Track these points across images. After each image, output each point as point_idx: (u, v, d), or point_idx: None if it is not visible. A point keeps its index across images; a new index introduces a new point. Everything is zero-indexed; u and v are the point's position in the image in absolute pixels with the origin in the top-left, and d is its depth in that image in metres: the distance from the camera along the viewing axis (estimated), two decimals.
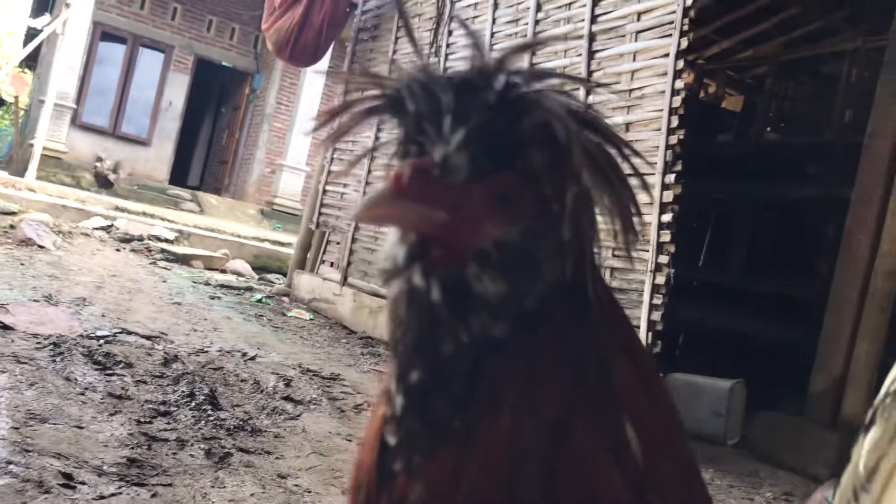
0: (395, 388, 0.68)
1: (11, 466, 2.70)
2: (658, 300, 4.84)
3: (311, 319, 7.41)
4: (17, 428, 3.03)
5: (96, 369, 3.90)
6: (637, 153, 0.71)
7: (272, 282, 9.69)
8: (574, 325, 0.69)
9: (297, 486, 3.08)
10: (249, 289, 8.56)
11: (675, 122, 4.83)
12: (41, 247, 7.77)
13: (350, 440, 3.73)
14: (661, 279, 4.84)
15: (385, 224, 0.68)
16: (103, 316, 5.55)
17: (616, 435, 0.67)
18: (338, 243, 8.14)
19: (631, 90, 5.20)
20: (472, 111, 0.64)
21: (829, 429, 4.87)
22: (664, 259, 4.85)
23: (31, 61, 15.05)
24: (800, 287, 7.73)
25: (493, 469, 0.64)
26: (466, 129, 0.64)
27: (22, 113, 14.50)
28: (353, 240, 7.76)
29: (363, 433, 0.73)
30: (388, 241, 0.68)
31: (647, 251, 4.89)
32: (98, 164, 13.72)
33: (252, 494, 2.90)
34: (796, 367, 5.99)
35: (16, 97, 14.06)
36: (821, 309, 5.83)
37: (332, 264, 8.21)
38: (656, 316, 4.87)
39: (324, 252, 8.42)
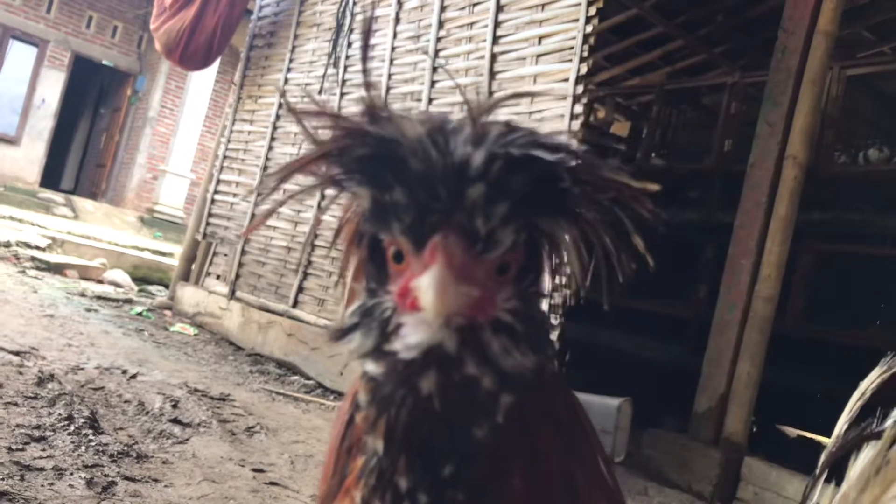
0: (405, 481, 0.62)
1: None
2: (555, 320, 4.90)
3: (195, 335, 7.10)
4: None
5: None
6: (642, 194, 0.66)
7: (153, 294, 9.23)
8: (548, 381, 0.68)
9: None
10: (129, 301, 8.12)
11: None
12: None
13: (243, 465, 3.56)
14: (557, 300, 4.91)
15: (453, 313, 0.59)
16: None
17: (605, 479, 0.71)
18: (225, 255, 7.84)
19: (531, 112, 5.27)
20: (512, 180, 0.59)
21: (712, 446, 5.06)
22: (559, 281, 4.93)
23: None
24: (679, 307, 8.04)
25: None
26: (511, 201, 0.59)
27: None
28: (243, 252, 7.50)
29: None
30: (416, 328, 0.60)
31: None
32: None
33: None
34: (679, 385, 6.21)
35: None
36: (698, 329, 6.07)
37: (218, 277, 7.90)
38: (553, 336, 4.93)
39: (210, 264, 8.09)
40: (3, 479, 2.78)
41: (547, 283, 0.69)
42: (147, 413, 3.94)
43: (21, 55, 15.22)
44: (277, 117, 7.59)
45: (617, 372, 7.95)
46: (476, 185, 0.58)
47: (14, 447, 3.09)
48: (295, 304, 6.66)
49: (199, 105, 15.14)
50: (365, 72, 0.65)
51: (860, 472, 0.79)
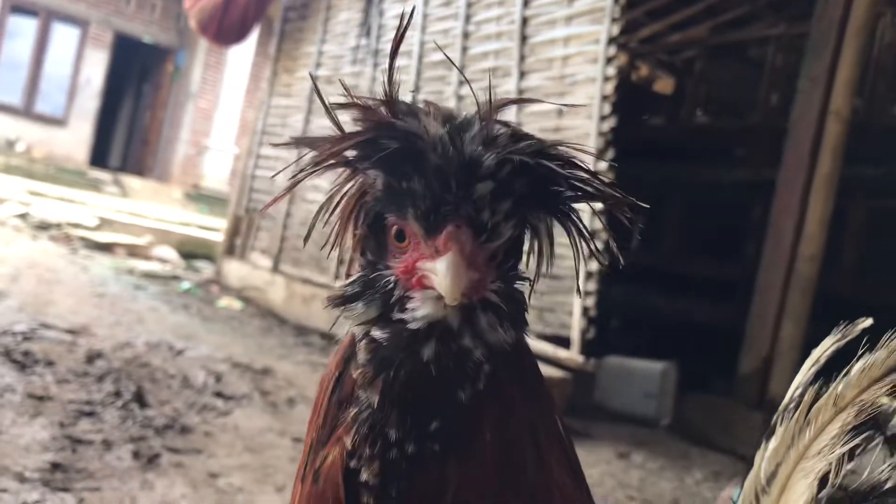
0: (395, 432, 0.70)
1: None
2: (591, 287, 4.88)
3: (241, 309, 7.24)
4: None
5: (15, 369, 3.71)
6: (624, 200, 0.75)
7: (200, 269, 9.42)
8: (522, 352, 0.78)
9: (229, 484, 2.99)
10: (176, 277, 8.31)
11: (606, 109, 4.85)
12: None
13: (283, 435, 3.64)
14: (593, 266, 4.87)
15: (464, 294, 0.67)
16: (20, 310, 5.29)
17: (562, 437, 0.79)
18: (268, 230, 7.95)
19: (563, 76, 5.20)
20: (515, 180, 0.68)
21: (756, 409, 5.01)
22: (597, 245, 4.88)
23: None
24: (728, 269, 7.92)
25: (482, 479, 0.71)
26: (514, 199, 0.68)
27: None
28: (285, 226, 7.60)
29: (324, 467, 0.74)
30: (424, 303, 0.69)
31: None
32: None
33: (183, 496, 2.80)
34: (727, 348, 6.14)
35: None
36: (748, 290, 5.98)
37: (262, 251, 8.02)
38: (589, 302, 4.91)
39: (254, 238, 8.22)
40: (56, 452, 2.90)
41: (528, 265, 0.77)
42: (191, 387, 4.05)
43: (65, 37, 15.48)
44: (313, 90, 7.62)
45: (665, 336, 7.88)
46: (485, 183, 0.67)
47: (66, 422, 3.22)
48: (336, 277, 6.74)
49: (240, 79, 15.25)
50: (391, 69, 0.70)
51: (787, 429, 0.85)
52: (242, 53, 14.70)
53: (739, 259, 7.68)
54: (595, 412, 5.83)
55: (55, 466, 2.76)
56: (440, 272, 0.66)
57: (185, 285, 7.83)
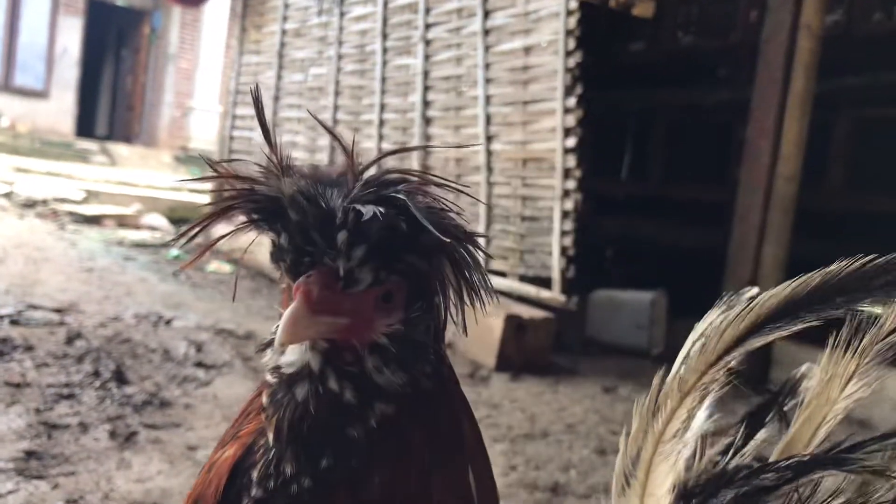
0: (290, 468, 0.74)
1: None
2: (568, 226, 4.86)
3: (231, 272, 7.26)
4: None
5: None
6: (482, 252, 0.79)
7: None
8: (434, 395, 0.80)
9: (206, 456, 3.03)
10: (166, 245, 8.32)
11: (571, 44, 4.75)
12: None
13: None
14: (569, 205, 4.85)
15: (305, 340, 0.73)
16: (7, 292, 5.32)
17: (462, 485, 0.81)
18: None
19: (527, 13, 5.08)
20: (369, 227, 0.70)
21: None
22: (571, 185, 4.85)
23: None
24: (716, 192, 7.86)
25: None
26: (367, 246, 0.71)
27: None
28: None
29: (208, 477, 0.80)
30: (292, 349, 0.74)
31: (554, 179, 4.87)
32: None
33: (159, 472, 2.85)
34: (719, 272, 6.13)
35: None
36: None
37: None
38: (567, 241, 4.89)
39: None
40: (31, 440, 2.94)
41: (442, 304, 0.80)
42: (172, 360, 4.09)
43: (36, 5, 15.19)
44: (282, 45, 7.48)
45: (658, 264, 7.88)
46: (340, 233, 0.70)
47: (43, 408, 3.26)
48: None
49: (218, 36, 15.01)
50: (266, 134, 0.75)
51: (641, 414, 0.87)
52: (217, 10, 14.44)
53: (726, 182, 7.62)
54: (586, 347, 5.88)
55: (29, 454, 2.81)
56: (282, 319, 0.71)
57: (175, 252, 7.85)
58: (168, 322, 5.04)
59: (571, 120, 4.82)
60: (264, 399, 0.77)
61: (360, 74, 6.76)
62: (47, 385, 3.52)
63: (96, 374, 3.68)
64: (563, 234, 4.89)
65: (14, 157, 11.51)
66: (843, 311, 0.79)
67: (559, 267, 4.98)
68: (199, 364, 4.07)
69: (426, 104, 6.10)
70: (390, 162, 0.79)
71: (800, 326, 0.79)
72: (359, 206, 0.70)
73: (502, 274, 5.48)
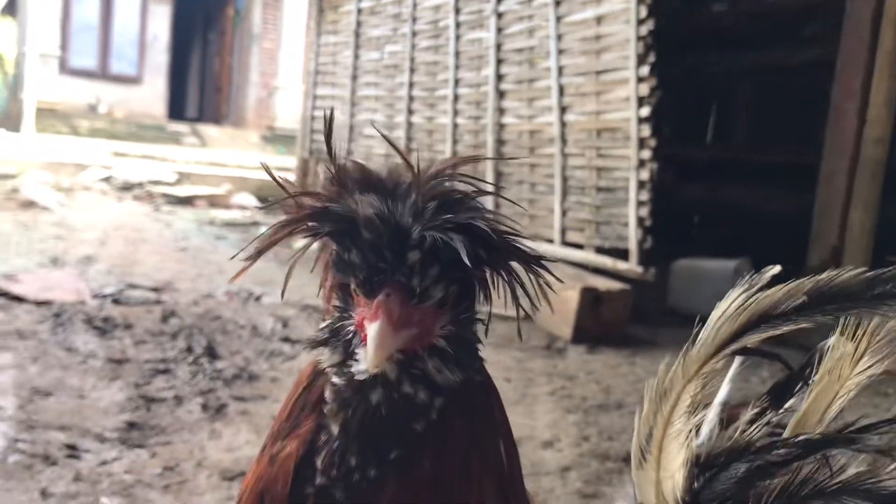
0: (355, 459, 0.80)
1: (19, 444, 2.85)
2: (644, 196, 4.82)
3: (317, 250, 7.48)
4: (22, 406, 3.17)
5: (97, 335, 4.03)
6: (544, 268, 0.81)
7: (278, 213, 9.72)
8: (473, 387, 0.85)
9: None
10: (255, 223, 8.64)
11: (643, 12, 4.67)
12: (45, 208, 7.87)
13: None
14: (644, 175, 4.80)
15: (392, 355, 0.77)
16: (109, 272, 5.67)
17: (496, 462, 0.87)
18: None
19: None
20: (441, 249, 0.75)
21: None
22: (646, 154, 4.80)
23: (10, 10, 14.76)
24: (803, 154, 7.59)
25: (416, 494, 0.82)
26: (440, 265, 0.76)
27: (11, 66, 14.35)
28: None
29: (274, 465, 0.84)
30: (367, 357, 0.76)
31: (629, 149, 4.83)
32: None
33: (247, 442, 3.03)
34: (805, 239, 5.96)
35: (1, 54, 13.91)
36: None
37: None
38: (643, 212, 4.86)
39: (321, 178, 8.41)
40: (132, 412, 3.18)
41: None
42: (260, 335, 4.30)
43: None
44: (358, 24, 7.60)
45: (745, 229, 7.68)
46: (413, 252, 0.75)
47: (141, 382, 3.51)
48: None
49: (299, 15, 15.27)
50: (331, 155, 0.80)
51: (650, 397, 0.93)
52: None
53: (813, 144, 7.34)
54: (667, 318, 5.83)
55: (131, 425, 3.04)
56: (368, 338, 0.75)
57: (263, 230, 8.14)
58: (258, 298, 5.27)
59: (645, 89, 4.76)
60: (328, 395, 0.82)
61: (434, 50, 6.82)
62: (145, 361, 3.77)
63: (189, 349, 3.91)
64: (640, 204, 4.85)
65: (112, 142, 12.11)
66: (831, 317, 0.84)
67: (636, 238, 4.95)
68: (286, 339, 4.27)
69: (499, 77, 6.12)
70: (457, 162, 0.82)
71: (791, 327, 0.85)
72: (436, 234, 0.74)
73: (578, 246, 5.49)
